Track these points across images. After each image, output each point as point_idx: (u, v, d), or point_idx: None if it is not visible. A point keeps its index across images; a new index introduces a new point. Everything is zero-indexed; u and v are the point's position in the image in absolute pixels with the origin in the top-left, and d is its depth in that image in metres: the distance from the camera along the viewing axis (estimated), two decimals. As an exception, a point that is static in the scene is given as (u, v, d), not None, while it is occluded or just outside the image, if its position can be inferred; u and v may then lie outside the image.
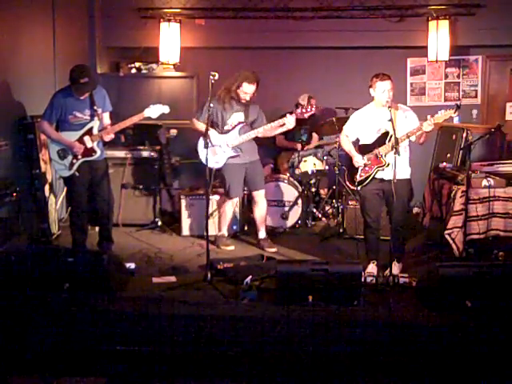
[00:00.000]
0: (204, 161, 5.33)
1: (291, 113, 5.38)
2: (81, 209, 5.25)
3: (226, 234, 5.88)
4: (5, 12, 5.34)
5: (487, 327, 3.91)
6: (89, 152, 5.11)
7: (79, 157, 5.09)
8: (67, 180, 5.25)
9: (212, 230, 6.03)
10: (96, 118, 5.08)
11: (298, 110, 5.34)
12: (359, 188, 4.84)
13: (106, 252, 5.10)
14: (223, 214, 5.80)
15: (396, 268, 4.79)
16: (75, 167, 5.10)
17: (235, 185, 5.59)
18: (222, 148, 5.48)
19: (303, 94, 6.94)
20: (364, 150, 4.83)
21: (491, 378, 3.74)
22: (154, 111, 5.15)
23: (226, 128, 5.51)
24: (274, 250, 5.60)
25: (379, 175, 4.74)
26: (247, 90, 5.37)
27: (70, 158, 5.09)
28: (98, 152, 5.17)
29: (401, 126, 4.63)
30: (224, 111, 5.48)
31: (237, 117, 5.51)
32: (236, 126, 5.49)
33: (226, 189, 5.64)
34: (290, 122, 5.33)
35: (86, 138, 5.08)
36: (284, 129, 5.48)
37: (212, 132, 5.43)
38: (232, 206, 5.76)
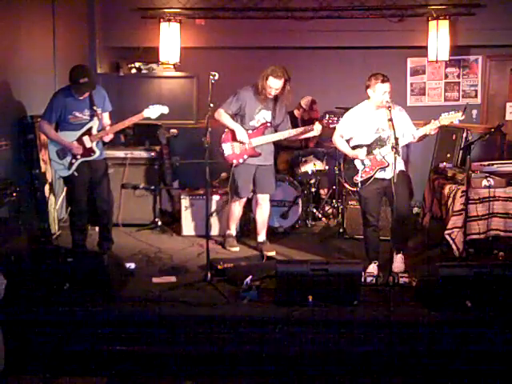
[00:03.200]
0: (226, 155, 5.38)
1: (320, 121, 5.35)
2: (80, 209, 5.25)
3: (234, 234, 5.84)
4: (5, 12, 5.33)
5: (487, 327, 3.91)
6: (88, 152, 5.11)
7: (78, 157, 5.09)
8: (67, 180, 5.25)
9: (212, 231, 6.07)
10: (95, 118, 5.08)
11: (325, 120, 5.28)
12: (359, 189, 4.83)
13: (106, 252, 5.11)
14: (230, 213, 5.76)
15: (399, 260, 4.81)
16: (74, 167, 5.10)
17: (244, 184, 5.51)
18: (245, 145, 5.40)
19: (306, 97, 6.91)
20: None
21: (491, 378, 3.74)
22: (153, 111, 5.15)
23: (251, 123, 5.41)
24: (273, 253, 5.50)
25: (380, 175, 4.74)
26: (272, 84, 5.23)
27: (69, 157, 5.09)
28: (97, 152, 5.16)
29: (400, 126, 4.64)
30: (255, 103, 5.36)
31: (264, 114, 5.41)
32: (262, 125, 5.41)
33: (235, 187, 5.56)
34: (317, 129, 5.33)
35: (85, 138, 5.08)
36: (308, 135, 5.49)
37: (238, 127, 5.36)
38: (239, 206, 5.70)
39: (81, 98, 5.00)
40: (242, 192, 5.56)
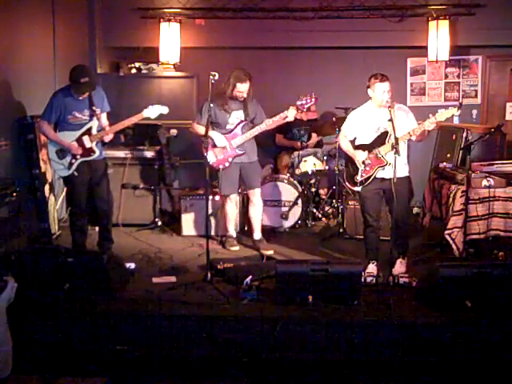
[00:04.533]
0: (211, 163, 5.39)
1: (293, 105, 5.37)
2: (80, 209, 5.24)
3: (234, 235, 5.85)
4: (5, 12, 5.34)
5: (487, 327, 3.91)
6: (87, 152, 5.11)
7: (78, 157, 5.08)
8: (66, 180, 5.25)
9: (212, 231, 6.07)
10: (95, 118, 5.08)
11: (299, 102, 5.32)
12: (360, 188, 4.84)
13: (106, 252, 5.11)
14: (225, 214, 5.79)
15: (401, 265, 4.82)
16: (74, 167, 5.10)
17: (226, 182, 5.57)
18: (227, 148, 5.47)
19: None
20: (363, 149, 4.81)
21: (491, 378, 3.74)
22: (152, 111, 5.15)
23: (228, 127, 5.49)
24: (270, 252, 5.52)
25: (380, 174, 4.74)
26: (241, 89, 5.35)
27: (68, 157, 5.09)
28: (97, 152, 5.16)
29: (401, 125, 4.64)
30: (224, 112, 5.45)
31: (237, 115, 5.49)
32: (238, 124, 5.48)
33: (219, 186, 5.64)
34: (291, 114, 5.36)
35: (85, 138, 5.08)
36: (285, 120, 5.48)
37: (215, 133, 5.44)
38: (232, 205, 5.73)
39: (80, 98, 5.00)
40: (226, 190, 5.61)
